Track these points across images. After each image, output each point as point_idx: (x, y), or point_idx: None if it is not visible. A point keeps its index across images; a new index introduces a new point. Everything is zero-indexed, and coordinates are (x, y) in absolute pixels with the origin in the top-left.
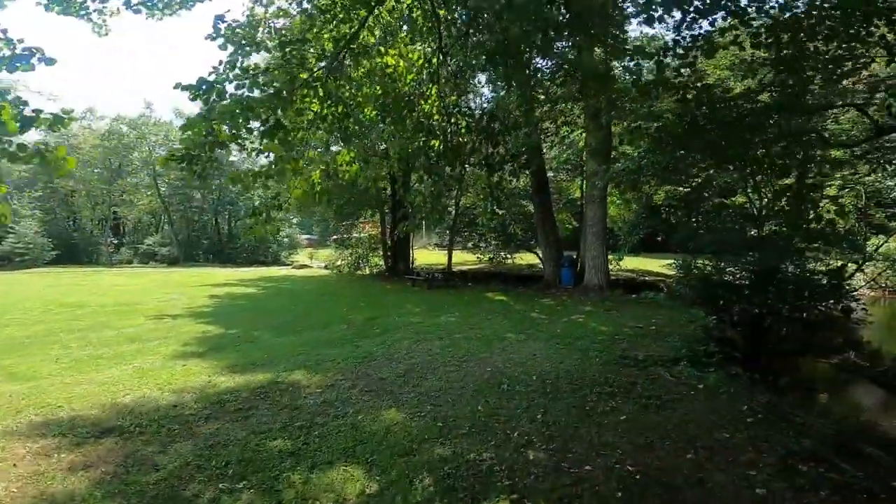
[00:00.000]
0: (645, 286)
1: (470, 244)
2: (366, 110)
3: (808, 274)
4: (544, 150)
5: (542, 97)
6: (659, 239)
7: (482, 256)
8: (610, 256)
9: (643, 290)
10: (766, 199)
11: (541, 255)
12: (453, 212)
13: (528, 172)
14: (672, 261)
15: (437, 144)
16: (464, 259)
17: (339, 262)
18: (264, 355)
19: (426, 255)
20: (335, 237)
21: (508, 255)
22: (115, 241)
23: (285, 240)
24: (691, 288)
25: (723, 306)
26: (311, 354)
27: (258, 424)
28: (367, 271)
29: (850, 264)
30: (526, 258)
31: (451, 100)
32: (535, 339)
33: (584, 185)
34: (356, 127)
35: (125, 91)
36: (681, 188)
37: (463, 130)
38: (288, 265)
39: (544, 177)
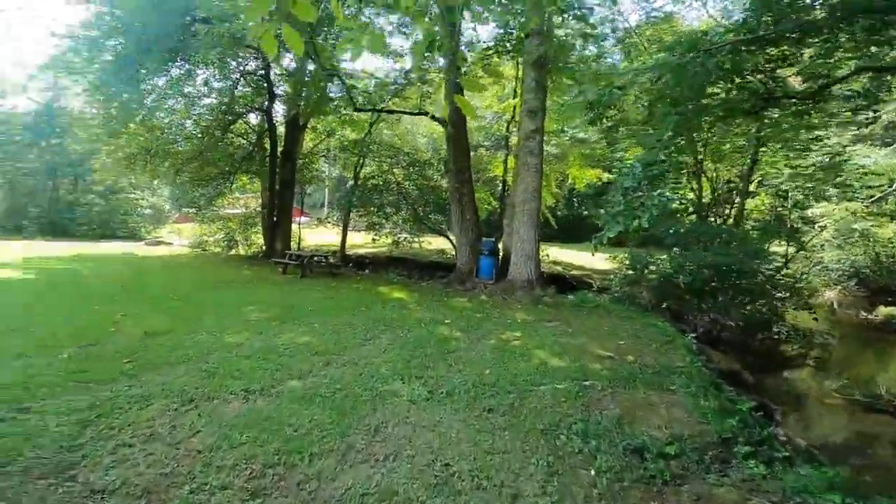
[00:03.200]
0: (577, 283)
1: (370, 222)
2: None
3: (764, 273)
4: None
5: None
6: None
7: (381, 238)
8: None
9: (577, 289)
10: (712, 188)
11: (454, 240)
12: (351, 180)
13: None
14: (616, 254)
15: None
16: (366, 241)
17: (209, 240)
18: None
19: (324, 235)
20: (194, 209)
21: (415, 238)
22: None
23: (146, 211)
24: (650, 290)
25: (679, 312)
26: None
27: None
28: (244, 252)
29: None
30: (437, 242)
31: None
32: (446, 399)
33: (508, 161)
34: None
35: None
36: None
37: None
38: (142, 242)
39: (463, 137)
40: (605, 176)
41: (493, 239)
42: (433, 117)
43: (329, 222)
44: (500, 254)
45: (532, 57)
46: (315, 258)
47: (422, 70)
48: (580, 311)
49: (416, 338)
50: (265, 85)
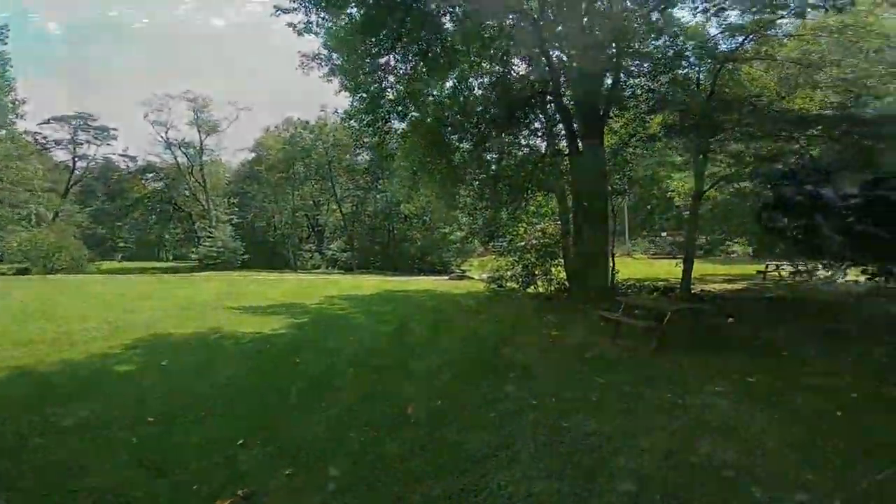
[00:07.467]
0: None
1: (729, 246)
2: None
3: None
4: None
5: None
6: None
7: (773, 271)
8: None
9: None
10: None
11: None
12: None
13: None
14: None
15: None
16: (703, 271)
17: (507, 274)
18: None
19: (631, 267)
20: (487, 239)
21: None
22: (314, 247)
23: (454, 245)
24: None
25: None
26: None
27: None
28: (542, 288)
29: None
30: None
31: None
32: None
33: None
34: None
35: None
36: None
37: None
38: (448, 275)
39: None
40: None
41: None
42: None
43: (652, 252)
44: None
45: None
46: (670, 309)
47: None
48: None
49: None
50: (542, 59)
